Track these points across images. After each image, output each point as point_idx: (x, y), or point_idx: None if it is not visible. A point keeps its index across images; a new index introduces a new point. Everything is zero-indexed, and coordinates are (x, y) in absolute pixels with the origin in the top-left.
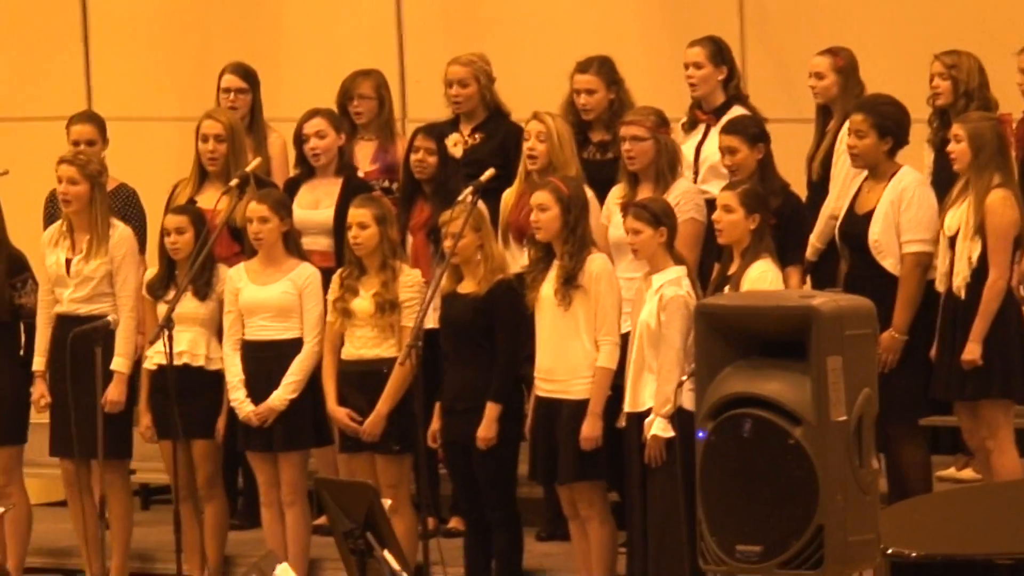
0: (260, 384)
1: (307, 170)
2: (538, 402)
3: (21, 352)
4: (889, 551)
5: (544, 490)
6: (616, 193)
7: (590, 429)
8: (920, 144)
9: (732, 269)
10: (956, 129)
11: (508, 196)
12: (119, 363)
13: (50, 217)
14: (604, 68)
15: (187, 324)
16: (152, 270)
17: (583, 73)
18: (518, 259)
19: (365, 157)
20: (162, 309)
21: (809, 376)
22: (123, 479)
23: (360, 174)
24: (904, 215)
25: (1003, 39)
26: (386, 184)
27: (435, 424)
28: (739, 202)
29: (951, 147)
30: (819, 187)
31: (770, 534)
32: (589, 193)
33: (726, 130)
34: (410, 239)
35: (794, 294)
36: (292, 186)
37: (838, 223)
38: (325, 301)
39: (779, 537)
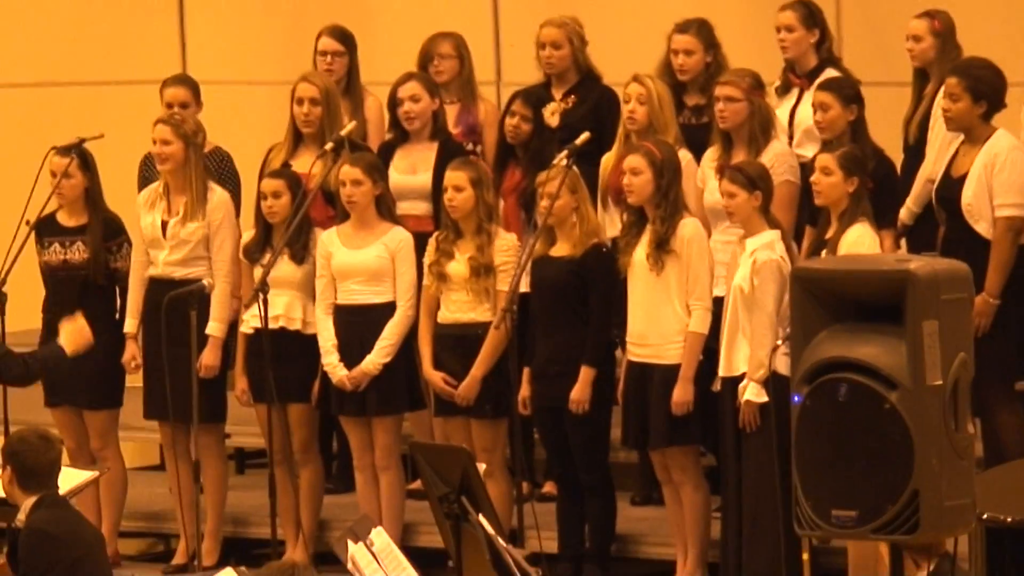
0: (353, 348)
1: (401, 134)
2: (630, 367)
3: (117, 316)
4: (984, 516)
5: (638, 455)
6: (710, 156)
7: (682, 394)
8: (1020, 108)
9: (829, 233)
10: None
11: (608, 159)
12: (214, 327)
13: (144, 180)
14: (703, 30)
15: (283, 288)
16: (248, 234)
17: (682, 34)
18: (616, 222)
19: (448, 120)
20: (258, 273)
21: (905, 340)
22: (218, 443)
23: None
24: (997, 179)
25: None
26: (470, 146)
27: (524, 390)
28: (838, 164)
29: None
30: (915, 151)
31: (865, 499)
32: (686, 157)
33: (821, 87)
34: (501, 203)
35: (890, 258)
36: (387, 150)
37: (935, 187)
38: (419, 265)
39: (874, 502)
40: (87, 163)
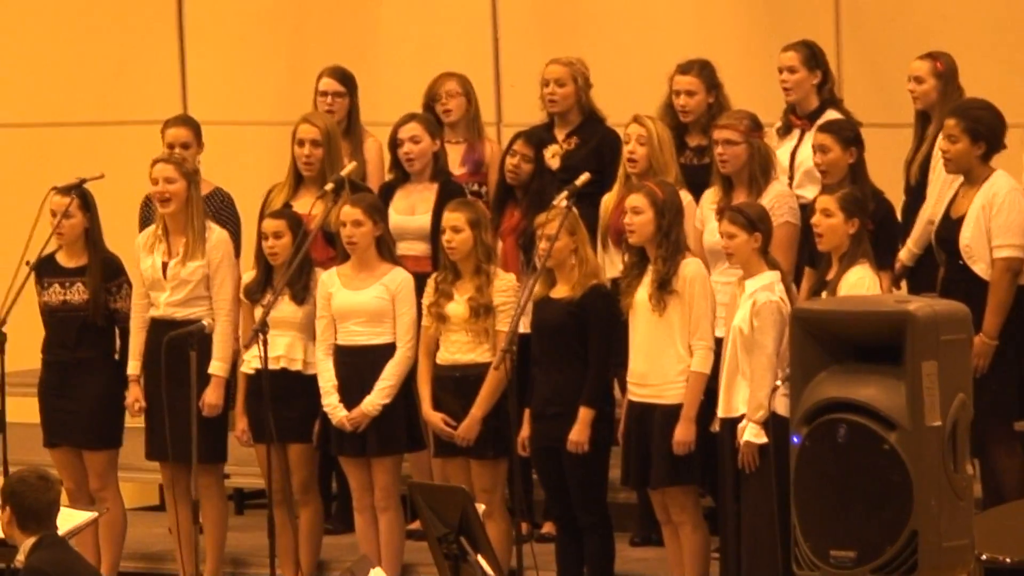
0: (353, 389)
1: (402, 175)
2: (631, 406)
3: (116, 356)
4: (984, 557)
5: (637, 495)
6: (709, 197)
7: (683, 434)
8: (1018, 150)
9: (830, 274)
10: None
11: (608, 200)
12: (216, 367)
13: (145, 221)
14: (705, 71)
15: (284, 328)
16: (249, 274)
17: (684, 74)
18: (616, 263)
19: (454, 160)
20: (259, 313)
21: (904, 381)
22: (218, 483)
23: None
24: (995, 220)
25: None
26: (475, 187)
27: (525, 431)
28: (839, 206)
29: None
30: (917, 192)
31: (864, 539)
32: (687, 198)
33: (821, 129)
34: (499, 244)
35: (890, 299)
36: (387, 191)
37: (935, 228)
38: (418, 306)
39: (873, 542)
40: (87, 203)
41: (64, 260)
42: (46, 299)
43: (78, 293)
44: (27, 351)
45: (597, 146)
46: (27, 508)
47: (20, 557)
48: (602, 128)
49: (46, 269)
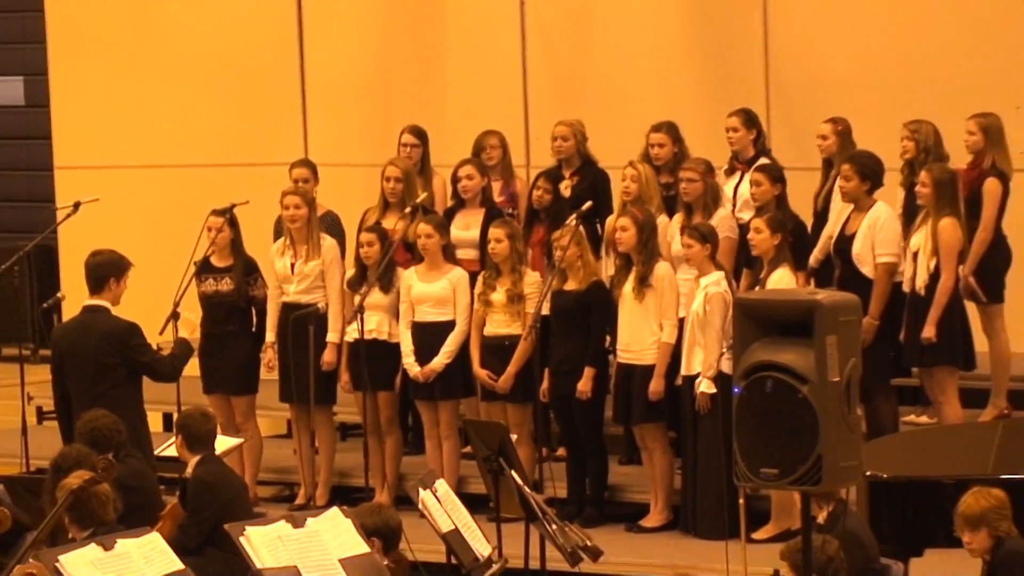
0: (425, 352)
1: (459, 202)
2: (619, 367)
3: (253, 329)
4: (868, 473)
5: (623, 429)
6: (676, 220)
7: (656, 386)
8: (894, 186)
9: (762, 273)
10: (923, 177)
11: (611, 220)
12: (332, 336)
13: (277, 233)
14: (671, 129)
15: (375, 309)
16: (350, 271)
17: (656, 132)
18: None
19: (494, 192)
20: (357, 300)
21: (813, 349)
22: (329, 419)
23: None
24: (878, 236)
25: (955, 110)
26: (509, 211)
27: (545, 383)
28: (767, 225)
29: (919, 189)
30: (822, 216)
31: (784, 460)
32: (665, 221)
33: (756, 170)
34: (529, 252)
35: (804, 291)
36: (449, 213)
37: (832, 241)
38: (472, 294)
39: (790, 463)
40: (234, 222)
41: (216, 261)
42: (203, 289)
43: (226, 285)
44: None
45: (592, 182)
46: (192, 435)
47: (188, 470)
48: (596, 169)
49: (204, 268)
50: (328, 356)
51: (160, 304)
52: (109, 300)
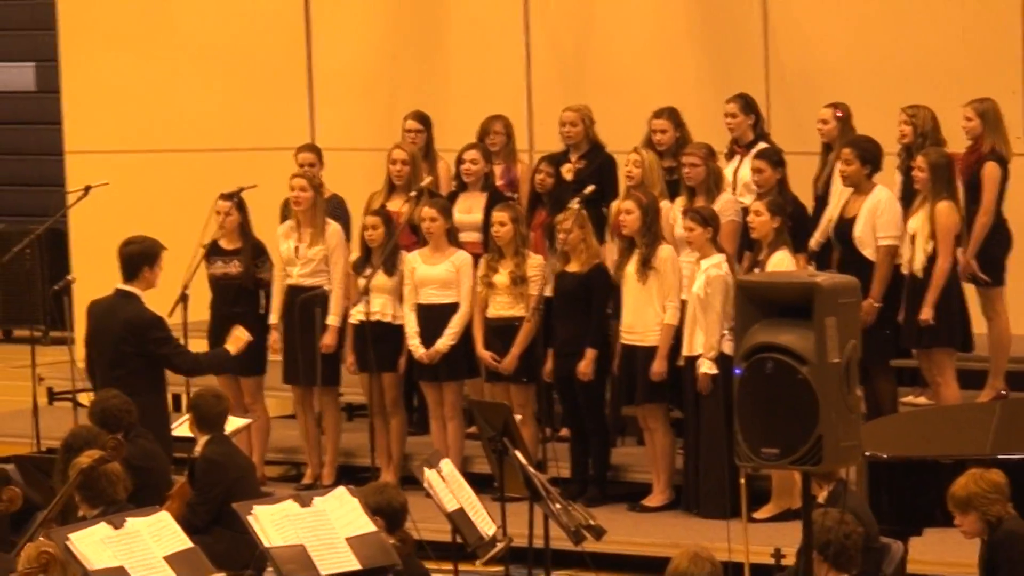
0: (429, 334)
1: (461, 185)
2: (622, 348)
3: (261, 311)
4: (868, 453)
5: (614, 409)
6: (679, 203)
7: (658, 366)
8: (892, 170)
9: (761, 256)
10: (920, 161)
11: (616, 206)
12: (332, 319)
13: (284, 216)
14: (673, 115)
15: (379, 292)
16: (355, 254)
17: (658, 118)
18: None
19: (496, 175)
20: (362, 282)
21: (813, 331)
22: (334, 400)
23: None
24: (879, 219)
25: (952, 95)
26: (510, 194)
27: (548, 364)
28: (766, 208)
29: (915, 173)
30: (822, 200)
31: (784, 440)
32: (667, 205)
33: (757, 156)
34: (532, 235)
35: (803, 273)
36: (452, 197)
37: (832, 225)
38: (474, 277)
39: (791, 442)
40: (242, 205)
41: (225, 244)
42: (212, 271)
43: (234, 267)
44: (200, 308)
45: (599, 166)
46: (203, 416)
47: (197, 449)
48: (603, 154)
49: (212, 251)
50: (328, 339)
51: (169, 287)
52: (142, 287)
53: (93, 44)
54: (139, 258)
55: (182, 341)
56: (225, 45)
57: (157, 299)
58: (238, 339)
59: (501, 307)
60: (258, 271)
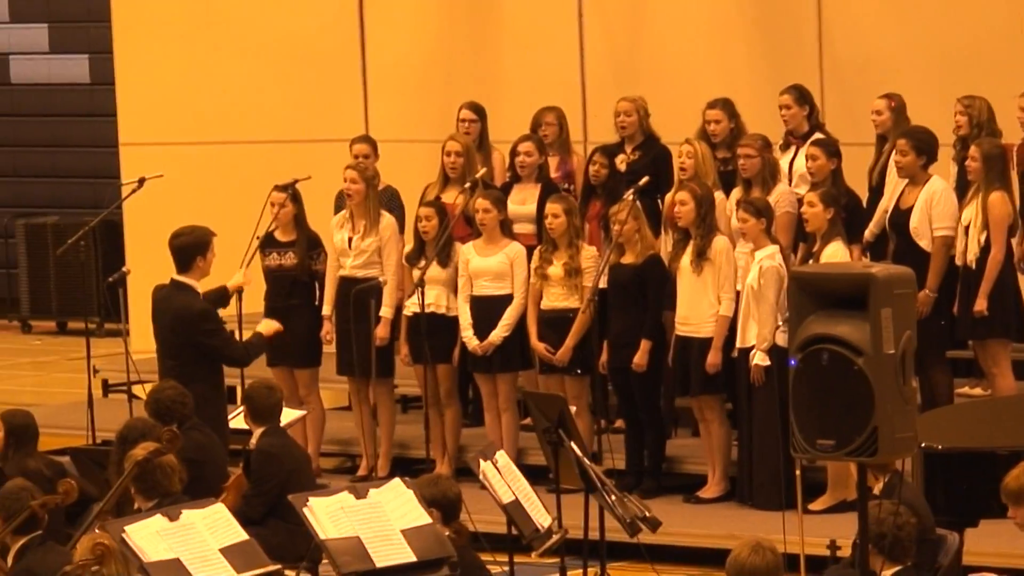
0: (483, 326)
1: (515, 177)
2: (677, 339)
3: (316, 303)
4: (923, 444)
5: (666, 401)
6: (735, 194)
7: (713, 358)
8: (947, 161)
9: (815, 247)
10: (973, 151)
11: (669, 197)
12: (385, 311)
13: (339, 207)
14: (726, 105)
15: (433, 284)
16: (409, 246)
17: (712, 109)
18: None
19: (551, 167)
20: (416, 274)
21: (868, 322)
22: (389, 391)
23: None
24: (935, 210)
25: (1008, 85)
26: (566, 186)
27: (603, 356)
28: (820, 199)
29: (968, 163)
30: (876, 191)
31: (840, 432)
32: (720, 197)
33: (812, 144)
34: (586, 226)
35: (858, 265)
36: (506, 188)
37: (887, 216)
38: (529, 269)
39: (847, 434)
40: (296, 197)
41: (280, 236)
42: (267, 263)
43: (289, 259)
44: (255, 299)
45: (654, 158)
46: (256, 408)
47: (252, 441)
48: (658, 145)
49: (267, 242)
50: (381, 331)
51: (225, 278)
52: (196, 277)
53: (147, 36)
54: (191, 248)
55: (236, 334)
56: (279, 36)
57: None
58: (268, 324)
59: (555, 299)
60: (313, 263)
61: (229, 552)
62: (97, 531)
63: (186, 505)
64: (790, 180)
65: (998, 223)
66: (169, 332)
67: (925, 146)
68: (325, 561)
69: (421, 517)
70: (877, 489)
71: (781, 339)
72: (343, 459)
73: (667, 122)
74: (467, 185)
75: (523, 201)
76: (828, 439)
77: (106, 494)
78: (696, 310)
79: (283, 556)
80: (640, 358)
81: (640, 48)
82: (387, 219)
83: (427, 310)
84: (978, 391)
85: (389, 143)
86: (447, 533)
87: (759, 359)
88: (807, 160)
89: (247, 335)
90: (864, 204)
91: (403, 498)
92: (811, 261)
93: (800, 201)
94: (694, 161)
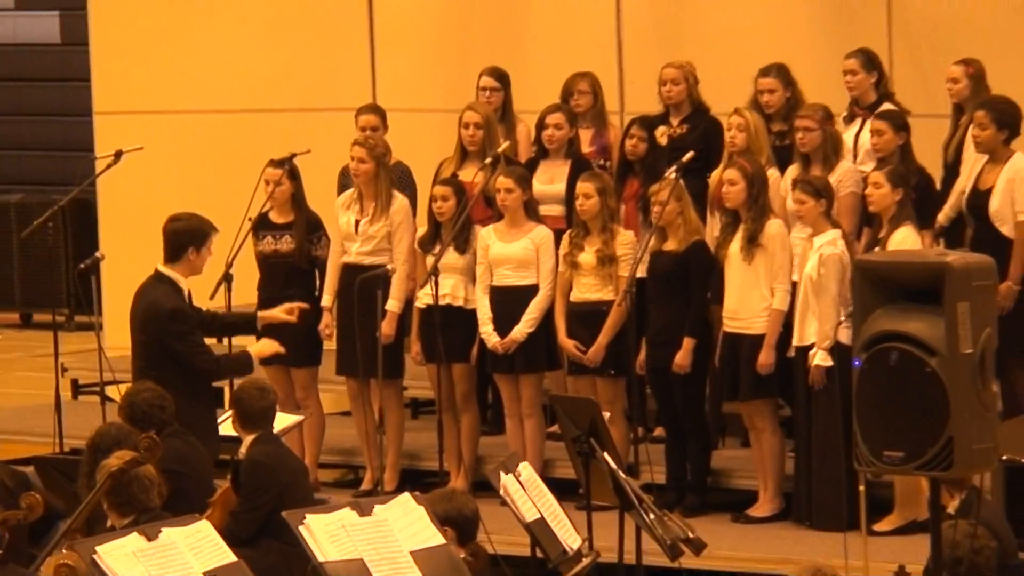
0: (504, 320)
1: (542, 152)
2: (725, 336)
3: (317, 294)
4: (1005, 457)
5: (714, 407)
6: (792, 172)
7: (766, 357)
8: None
9: (881, 233)
10: None
11: (716, 175)
12: (392, 304)
13: (342, 187)
14: (782, 72)
15: (449, 272)
16: (422, 229)
17: (765, 76)
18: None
19: (584, 141)
20: (430, 261)
21: (943, 317)
22: (397, 394)
23: None
24: (1017, 192)
25: None
26: (601, 162)
27: (641, 355)
28: (886, 179)
29: None
30: (952, 169)
31: (910, 442)
32: (775, 175)
33: (877, 116)
34: (622, 207)
35: (931, 252)
36: (531, 164)
37: (964, 197)
38: (556, 256)
39: (918, 445)
40: (294, 173)
41: (275, 218)
42: (261, 248)
43: (286, 243)
44: (247, 289)
45: (704, 131)
46: (246, 412)
47: (242, 450)
48: (708, 117)
49: (261, 225)
50: (387, 327)
51: (212, 265)
52: (183, 271)
53: None
54: (184, 237)
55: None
56: None
57: (198, 279)
58: (267, 344)
59: (586, 290)
60: (313, 248)
61: None
62: (65, 551)
63: (166, 522)
64: (855, 156)
65: None
66: (138, 328)
67: (1007, 118)
68: None
69: (433, 537)
70: (952, 508)
71: (844, 336)
72: (345, 471)
73: (715, 91)
74: (488, 161)
75: (551, 180)
76: (897, 450)
77: (75, 509)
78: (746, 303)
79: None
80: (682, 358)
81: (684, 7)
82: (400, 201)
83: (442, 302)
84: None
85: (399, 112)
86: (462, 555)
87: (819, 359)
88: (872, 135)
89: (246, 337)
90: (938, 184)
91: (413, 515)
92: (877, 248)
93: (865, 181)
94: (745, 135)
